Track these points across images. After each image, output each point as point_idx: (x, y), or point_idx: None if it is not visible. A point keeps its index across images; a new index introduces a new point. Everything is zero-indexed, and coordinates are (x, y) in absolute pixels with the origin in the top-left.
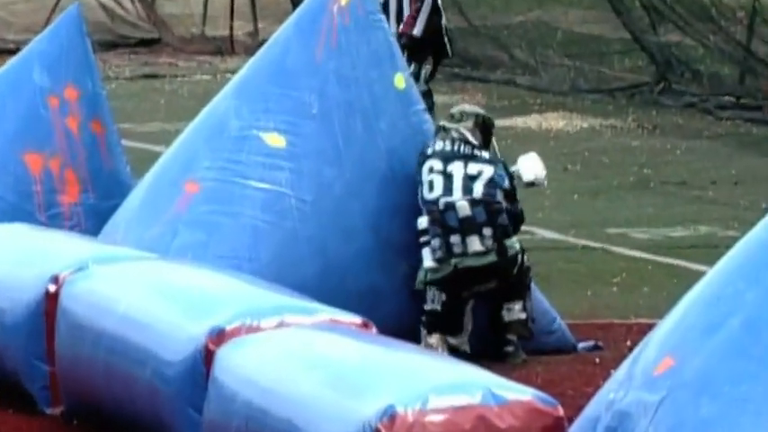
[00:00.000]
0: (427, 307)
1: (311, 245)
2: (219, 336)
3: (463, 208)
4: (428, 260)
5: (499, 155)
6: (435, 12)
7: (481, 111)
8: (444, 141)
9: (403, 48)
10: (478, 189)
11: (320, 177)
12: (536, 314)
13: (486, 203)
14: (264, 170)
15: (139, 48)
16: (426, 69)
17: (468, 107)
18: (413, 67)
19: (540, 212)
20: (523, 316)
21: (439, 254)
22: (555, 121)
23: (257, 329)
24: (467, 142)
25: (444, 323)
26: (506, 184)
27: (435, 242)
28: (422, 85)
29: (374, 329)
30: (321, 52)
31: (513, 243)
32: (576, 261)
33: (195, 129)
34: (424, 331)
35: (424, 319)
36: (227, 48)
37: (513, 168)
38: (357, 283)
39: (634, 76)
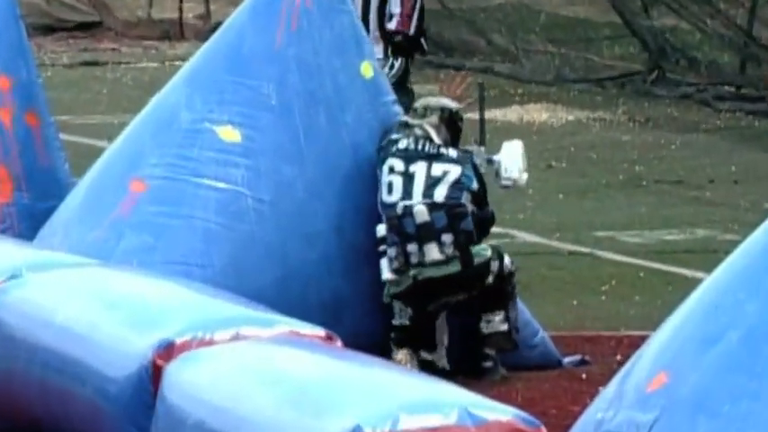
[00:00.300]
0: (395, 322)
1: (269, 250)
2: (168, 350)
3: (421, 213)
4: (386, 271)
5: (482, 149)
6: (422, 9)
7: (448, 103)
8: (408, 139)
9: (395, 45)
10: (441, 192)
11: (279, 175)
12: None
13: (447, 207)
14: (218, 167)
15: (78, 32)
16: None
17: (432, 101)
18: (399, 62)
19: (521, 214)
20: (505, 327)
21: (395, 264)
22: (538, 114)
23: (210, 343)
24: (431, 140)
25: (415, 339)
26: (474, 185)
27: (392, 251)
28: (392, 79)
29: (339, 342)
30: (280, 37)
31: (482, 250)
32: (560, 267)
33: (141, 121)
34: (393, 347)
35: (392, 335)
36: (176, 32)
37: (495, 157)
38: (320, 291)
39: (625, 64)
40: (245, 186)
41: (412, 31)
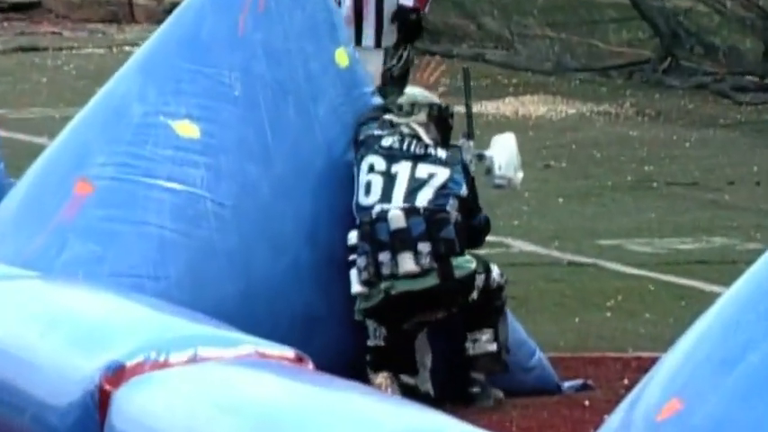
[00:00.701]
0: (370, 343)
1: (232, 259)
2: (117, 373)
3: (396, 218)
4: (354, 284)
5: (471, 146)
6: None
7: (436, 99)
8: (393, 137)
9: (410, 26)
10: (425, 196)
11: (243, 176)
12: (511, 345)
13: (428, 213)
14: (174, 166)
15: (14, 13)
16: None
17: (419, 95)
18: (408, 50)
19: (516, 220)
20: (493, 348)
21: (365, 275)
22: (535, 107)
23: (164, 365)
24: (419, 139)
25: (393, 361)
26: (463, 190)
27: (361, 261)
28: (398, 70)
29: (310, 365)
30: (245, 20)
31: (465, 262)
32: (560, 280)
33: (87, 115)
34: (370, 371)
35: (368, 357)
36: (126, 14)
37: (487, 153)
38: (289, 306)
39: (633, 50)
40: (205, 188)
41: (427, 9)
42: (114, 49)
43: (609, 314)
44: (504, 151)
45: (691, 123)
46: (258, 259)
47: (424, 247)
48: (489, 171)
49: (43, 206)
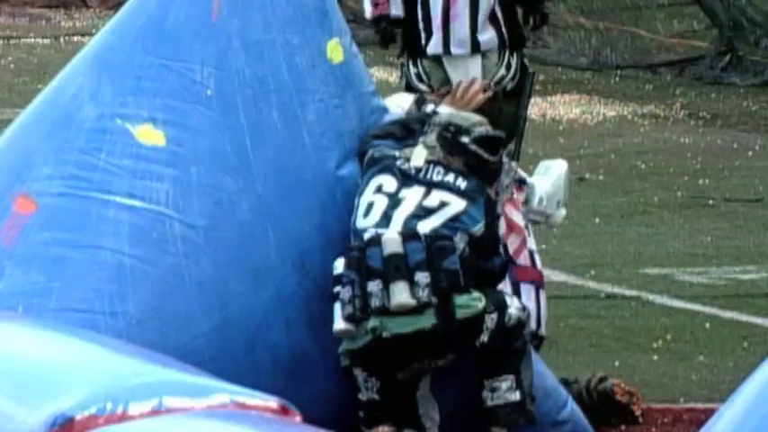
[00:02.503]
0: (362, 397)
1: (204, 291)
2: (66, 428)
3: (391, 242)
4: (337, 320)
5: (514, 167)
6: None
7: (479, 123)
8: (415, 158)
9: (541, 15)
10: (428, 224)
11: (218, 191)
12: (537, 392)
13: (429, 239)
14: (134, 180)
15: None
16: None
17: (457, 116)
18: (516, 57)
19: (545, 244)
20: (516, 397)
21: (348, 309)
22: (566, 108)
23: (123, 418)
24: (447, 166)
25: (391, 417)
26: (478, 228)
27: (346, 292)
28: (511, 83)
29: (298, 417)
30: (219, 5)
31: (470, 300)
32: (597, 316)
33: (29, 118)
34: (364, 429)
35: (361, 414)
36: None
37: (529, 180)
38: (273, 347)
39: (686, 43)
40: (171, 206)
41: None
42: (62, 40)
43: (655, 357)
44: (549, 180)
45: (754, 128)
46: (235, 291)
47: (423, 277)
48: (527, 201)
49: None
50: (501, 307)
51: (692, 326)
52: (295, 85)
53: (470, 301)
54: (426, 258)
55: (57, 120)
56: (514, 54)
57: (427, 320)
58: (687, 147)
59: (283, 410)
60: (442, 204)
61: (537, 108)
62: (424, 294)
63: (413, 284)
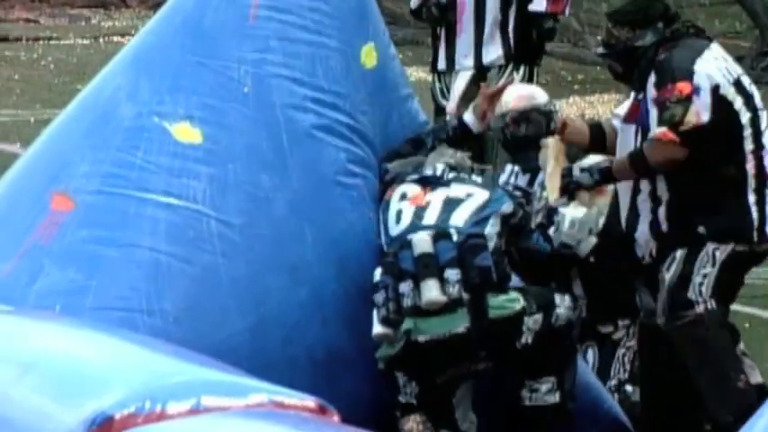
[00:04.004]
0: (401, 399)
1: (240, 290)
2: (105, 427)
3: (421, 242)
4: (375, 324)
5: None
6: None
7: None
8: (435, 167)
9: (547, 35)
10: (461, 216)
11: (254, 189)
12: (577, 389)
13: (461, 238)
14: (171, 178)
15: None
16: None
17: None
18: (522, 70)
19: None
20: (555, 399)
21: (383, 312)
22: (604, 108)
23: (161, 417)
24: (457, 168)
25: (430, 420)
26: (506, 207)
27: (380, 296)
28: None
29: (335, 416)
30: (256, 7)
31: (505, 302)
32: None
33: (68, 118)
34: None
35: (398, 414)
36: None
37: (561, 209)
38: (310, 347)
39: (728, 43)
40: (208, 204)
41: (567, 12)
42: (101, 40)
43: None
44: (582, 209)
45: None
46: (272, 289)
47: (453, 274)
48: (558, 226)
49: (14, 226)
50: (548, 306)
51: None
52: (329, 87)
53: (506, 303)
54: (457, 256)
55: (95, 119)
56: (520, 68)
57: (460, 321)
58: None
59: (321, 410)
60: (468, 195)
61: (575, 107)
62: (454, 291)
63: (442, 281)
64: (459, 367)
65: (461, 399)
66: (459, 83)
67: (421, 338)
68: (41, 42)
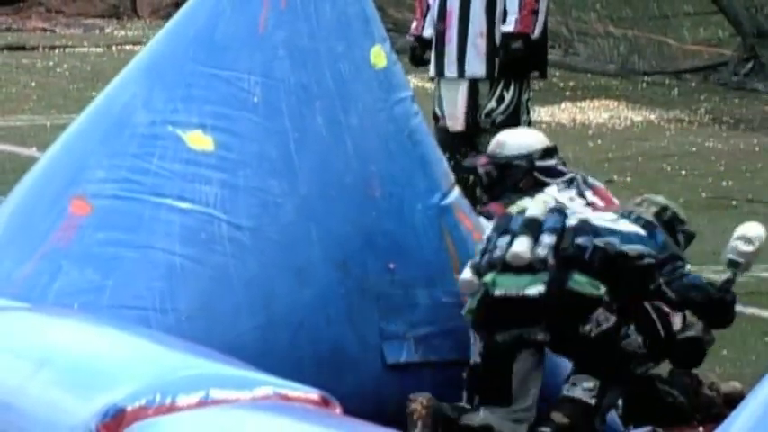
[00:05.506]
0: (472, 360)
1: (250, 290)
2: (117, 419)
3: (535, 209)
4: (465, 270)
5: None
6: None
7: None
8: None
9: (510, 56)
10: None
11: (263, 194)
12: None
13: (578, 221)
14: (184, 183)
15: None
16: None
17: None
18: (513, 88)
19: None
20: (590, 401)
21: (475, 259)
22: (595, 113)
23: (171, 409)
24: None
25: (485, 386)
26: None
27: (480, 245)
28: (501, 116)
29: (338, 409)
30: (266, 17)
31: (587, 284)
32: None
33: (84, 124)
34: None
35: (464, 375)
36: (127, 8)
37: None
38: (315, 343)
39: (711, 50)
40: (219, 208)
41: (536, 32)
42: (114, 49)
43: None
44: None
45: None
46: (280, 289)
47: (548, 238)
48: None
49: (34, 228)
50: (632, 320)
51: None
52: (338, 92)
53: (587, 284)
54: (561, 228)
55: (110, 126)
56: (510, 87)
57: (536, 285)
58: (711, 150)
59: (324, 402)
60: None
61: (567, 113)
62: (543, 253)
63: (536, 241)
64: (520, 329)
65: (523, 370)
66: (451, 93)
67: (497, 293)
68: (57, 51)
